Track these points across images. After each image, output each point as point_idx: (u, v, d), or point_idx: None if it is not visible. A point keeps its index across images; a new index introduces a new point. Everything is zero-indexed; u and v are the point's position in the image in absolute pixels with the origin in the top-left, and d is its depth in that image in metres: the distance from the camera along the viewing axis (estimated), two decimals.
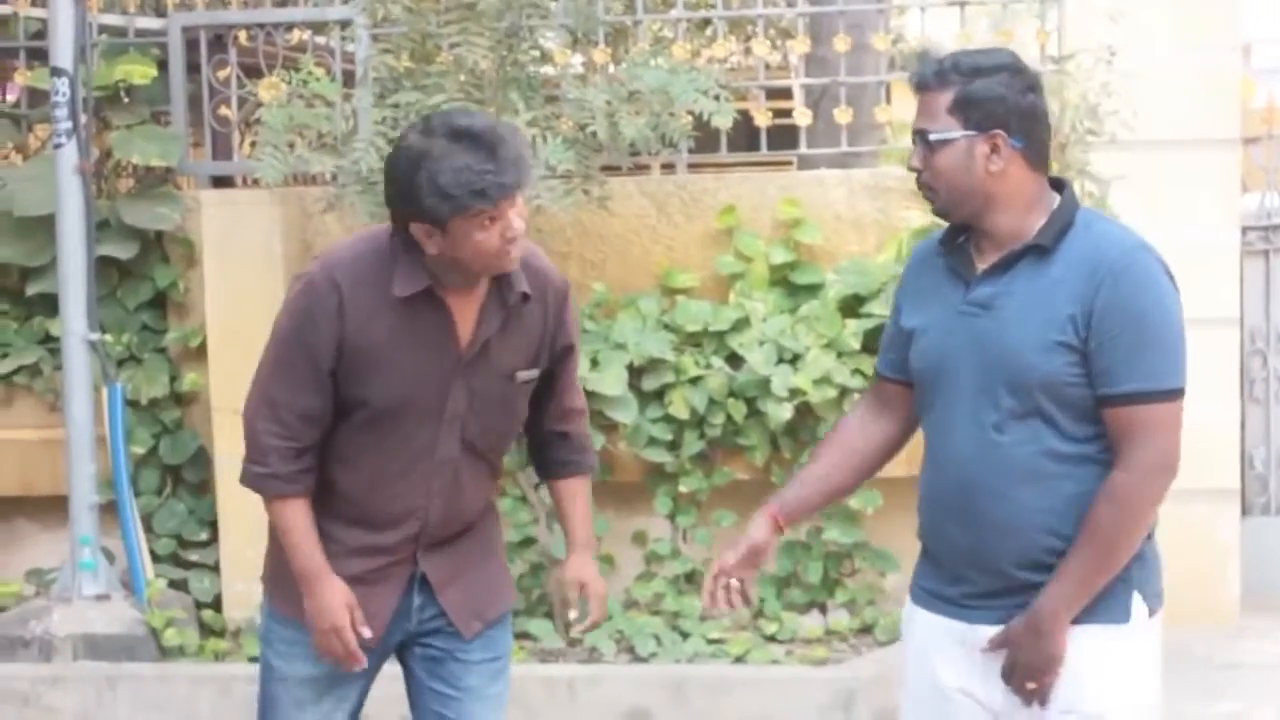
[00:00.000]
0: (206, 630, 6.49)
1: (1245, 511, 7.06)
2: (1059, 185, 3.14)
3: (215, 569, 6.65)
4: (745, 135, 7.27)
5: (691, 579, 6.45)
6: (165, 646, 6.26)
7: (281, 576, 3.52)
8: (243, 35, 7.11)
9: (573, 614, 3.57)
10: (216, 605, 6.61)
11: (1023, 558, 3.04)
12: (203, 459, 6.74)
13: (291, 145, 6.20)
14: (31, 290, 6.80)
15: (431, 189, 3.14)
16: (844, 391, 6.19)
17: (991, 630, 3.09)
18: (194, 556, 6.70)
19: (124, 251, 6.74)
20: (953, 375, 3.10)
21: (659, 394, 6.30)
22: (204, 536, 6.69)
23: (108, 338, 6.62)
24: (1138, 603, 3.05)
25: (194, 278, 6.74)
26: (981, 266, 3.11)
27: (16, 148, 7.52)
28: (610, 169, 6.57)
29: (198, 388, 6.67)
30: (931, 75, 3.08)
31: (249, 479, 3.42)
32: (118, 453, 6.47)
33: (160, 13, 7.53)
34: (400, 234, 3.30)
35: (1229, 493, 6.68)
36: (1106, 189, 6.02)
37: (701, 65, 6.68)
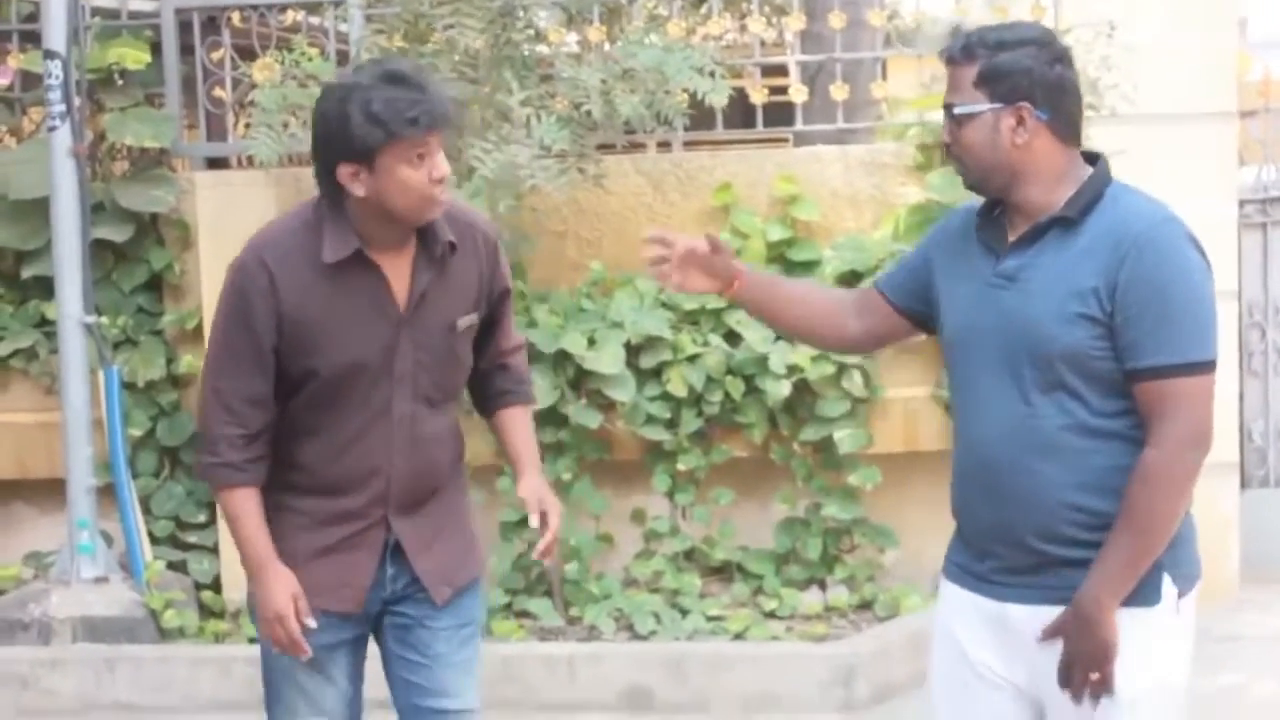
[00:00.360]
0: (206, 611, 6.49)
1: (1244, 484, 7.07)
2: (1094, 159, 3.13)
3: (214, 550, 6.65)
4: (741, 112, 7.26)
5: (691, 556, 6.45)
6: (164, 628, 6.26)
7: None
8: (236, 16, 7.09)
9: (534, 520, 3.55)
10: (215, 586, 6.61)
11: (1045, 531, 3.01)
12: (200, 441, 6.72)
13: (286, 125, 6.19)
14: (27, 273, 6.78)
15: (363, 116, 3.20)
16: (841, 368, 6.20)
17: (1018, 609, 3.07)
18: (192, 538, 6.70)
19: (119, 234, 6.73)
20: (981, 348, 3.09)
21: (657, 372, 6.30)
22: (202, 518, 6.69)
23: (104, 320, 6.61)
24: (1167, 584, 3.00)
25: (189, 259, 6.74)
26: (1012, 239, 3.10)
27: (10, 131, 7.50)
28: (605, 148, 6.56)
29: (194, 370, 6.65)
30: (958, 49, 3.07)
31: (202, 470, 3.50)
32: (115, 435, 6.47)
33: None
34: (327, 192, 3.35)
35: (1228, 466, 6.68)
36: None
37: (696, 43, 6.66)
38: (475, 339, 3.61)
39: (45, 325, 6.75)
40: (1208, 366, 2.96)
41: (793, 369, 6.15)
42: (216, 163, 7.39)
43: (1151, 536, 2.94)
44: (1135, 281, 2.92)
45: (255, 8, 7.05)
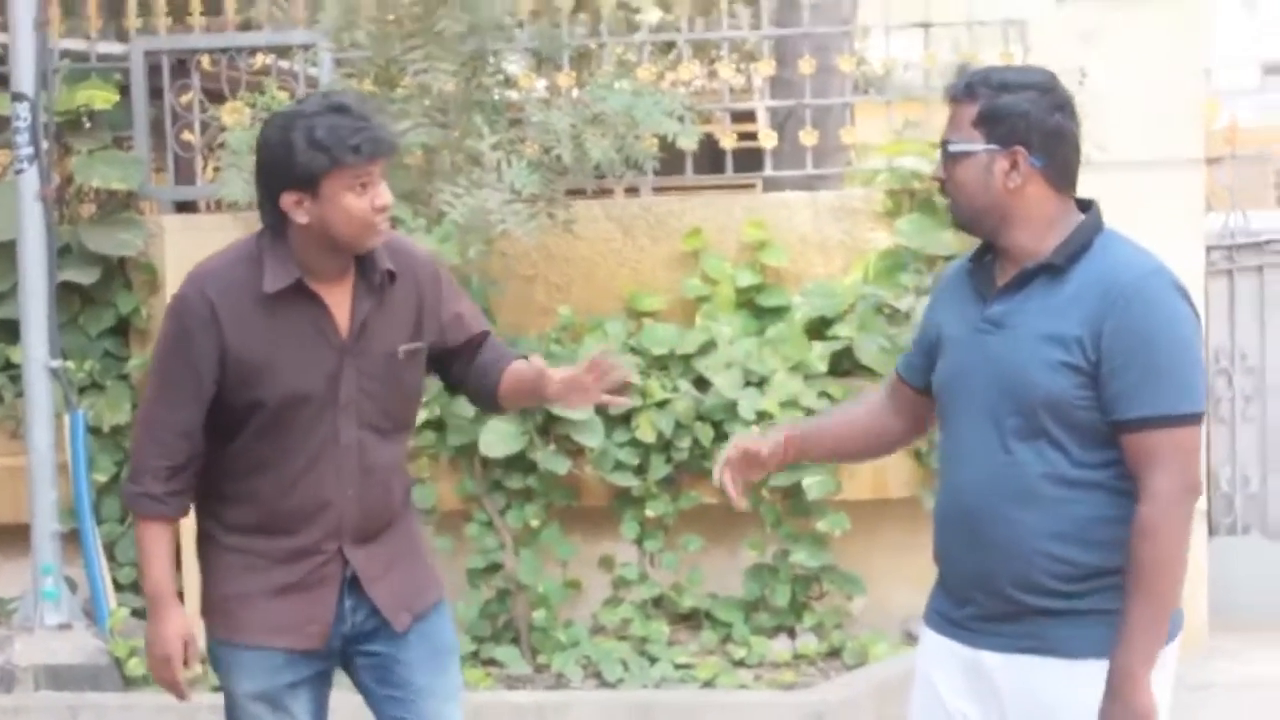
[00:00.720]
0: None
1: (1211, 532, 7.07)
2: (1086, 206, 3.13)
3: (179, 598, 6.58)
4: (710, 158, 7.27)
5: (659, 604, 6.42)
6: (128, 676, 6.20)
7: (212, 602, 3.58)
8: (206, 60, 7.09)
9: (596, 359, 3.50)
10: None
11: (1022, 580, 2.99)
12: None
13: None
14: None
15: (306, 143, 3.25)
16: (810, 414, 6.18)
17: (992, 656, 3.06)
18: None
19: (86, 277, 6.70)
20: (966, 393, 3.09)
21: (625, 418, 6.27)
22: None
23: (69, 364, 6.57)
24: None
25: (156, 304, 6.71)
26: (1000, 284, 3.10)
27: None
28: (574, 193, 6.56)
29: None
30: (961, 87, 3.08)
31: (126, 497, 3.53)
32: (80, 480, 6.42)
33: (122, 38, 7.49)
34: (269, 220, 3.38)
35: (1196, 513, 6.64)
36: None
37: (666, 88, 6.68)
38: (448, 360, 3.63)
39: (10, 369, 6.72)
40: (1196, 418, 2.95)
41: (762, 415, 6.14)
42: (185, 206, 7.38)
43: (1163, 591, 2.92)
44: (1122, 332, 2.91)
45: (225, 51, 7.06)
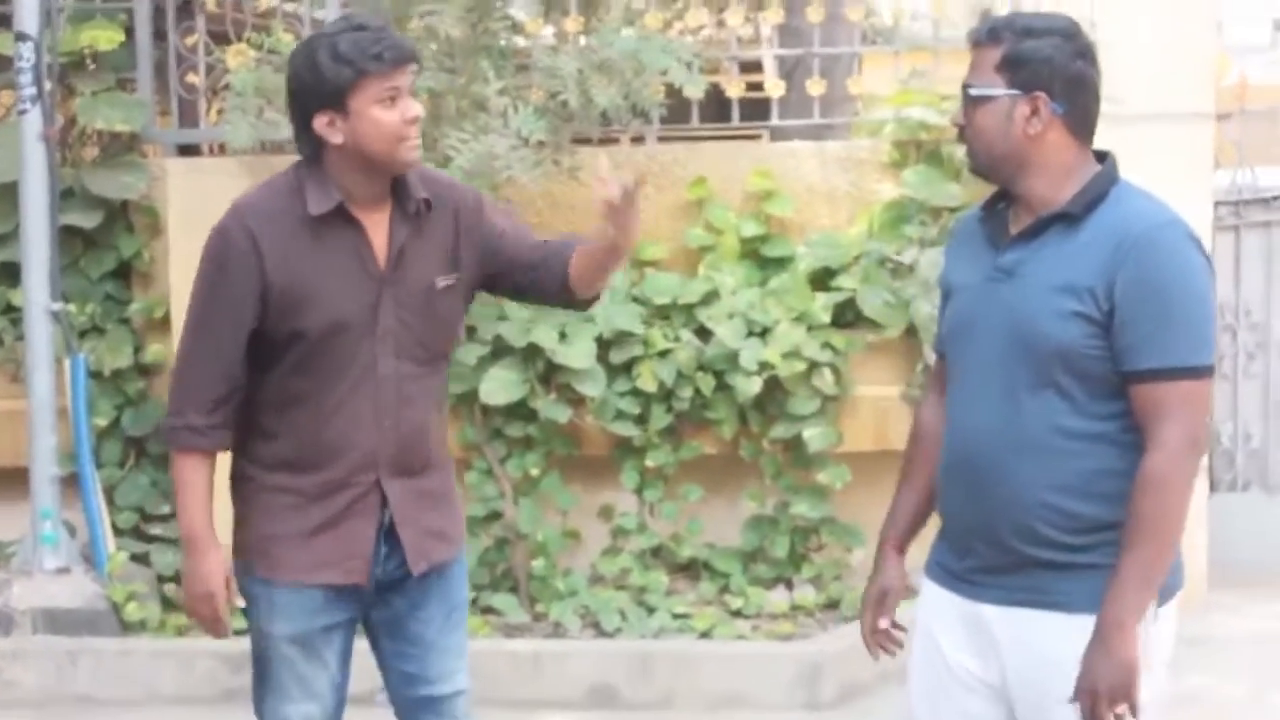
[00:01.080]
0: (168, 605, 6.41)
1: (1212, 488, 7.07)
2: (1101, 157, 3.10)
3: (177, 543, 6.53)
4: (717, 107, 7.23)
5: (658, 554, 6.42)
6: (127, 621, 6.20)
7: (248, 542, 3.55)
8: (210, 1, 7.03)
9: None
10: (178, 579, 6.52)
11: (1023, 530, 2.97)
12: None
13: (260, 111, 6.14)
14: None
15: (331, 58, 3.30)
16: (813, 365, 6.17)
17: (991, 609, 3.04)
18: (156, 530, 6.64)
19: (88, 220, 6.68)
20: (976, 342, 3.06)
21: (627, 367, 6.26)
22: (166, 510, 6.62)
23: (71, 308, 6.54)
24: None
25: (158, 247, 6.69)
26: (1014, 232, 3.07)
27: None
28: (580, 140, 6.52)
29: (161, 359, 6.61)
30: (985, 31, 3.05)
31: (165, 432, 3.51)
32: (80, 424, 6.41)
33: None
34: (305, 148, 3.41)
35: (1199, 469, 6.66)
36: None
37: (673, 36, 6.63)
38: (510, 276, 3.62)
39: (11, 312, 6.70)
40: (1206, 371, 2.94)
41: (764, 365, 6.12)
42: (188, 149, 7.34)
43: (1161, 544, 2.89)
44: (1135, 282, 2.89)
45: None
